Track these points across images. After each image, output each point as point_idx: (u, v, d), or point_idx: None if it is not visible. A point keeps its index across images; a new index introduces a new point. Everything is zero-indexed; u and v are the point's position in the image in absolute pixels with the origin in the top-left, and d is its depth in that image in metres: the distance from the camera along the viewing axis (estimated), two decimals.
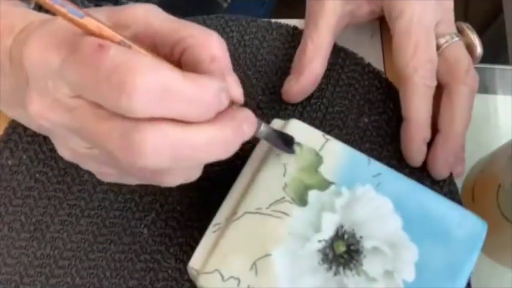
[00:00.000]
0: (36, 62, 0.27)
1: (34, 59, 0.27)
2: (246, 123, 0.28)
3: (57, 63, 0.26)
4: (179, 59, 0.29)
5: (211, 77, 0.27)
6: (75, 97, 0.27)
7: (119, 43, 0.26)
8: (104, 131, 0.26)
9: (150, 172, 0.28)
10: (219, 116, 0.27)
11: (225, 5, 0.64)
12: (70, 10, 0.25)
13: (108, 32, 0.26)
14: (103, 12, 0.29)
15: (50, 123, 0.28)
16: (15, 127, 0.41)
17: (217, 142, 0.27)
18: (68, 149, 0.30)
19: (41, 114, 0.28)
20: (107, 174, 0.32)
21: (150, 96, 0.24)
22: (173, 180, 0.29)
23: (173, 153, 0.26)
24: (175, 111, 0.26)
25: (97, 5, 0.59)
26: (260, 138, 0.33)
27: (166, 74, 0.25)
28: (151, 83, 0.24)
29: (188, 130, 0.26)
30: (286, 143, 0.35)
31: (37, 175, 0.40)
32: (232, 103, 0.29)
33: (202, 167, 0.30)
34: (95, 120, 0.26)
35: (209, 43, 0.28)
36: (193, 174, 0.30)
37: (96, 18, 0.26)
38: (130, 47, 0.26)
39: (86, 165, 0.31)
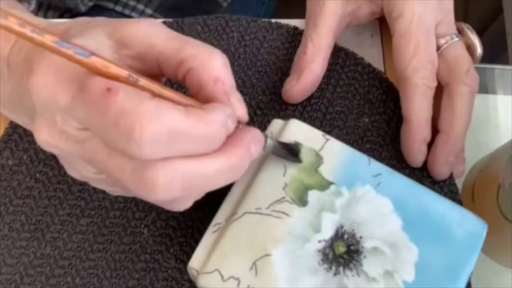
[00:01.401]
0: (44, 96, 0.27)
1: (42, 93, 0.27)
2: (254, 144, 0.29)
3: (66, 100, 0.27)
4: (183, 80, 0.29)
5: (216, 107, 0.27)
6: (84, 130, 0.27)
7: (126, 78, 0.26)
8: (115, 165, 0.27)
9: (161, 202, 0.29)
10: (228, 141, 0.28)
11: (225, 4, 0.64)
12: (77, 51, 0.25)
13: (115, 69, 0.26)
14: (103, 27, 0.29)
15: (60, 151, 0.29)
16: (15, 127, 0.41)
17: (227, 170, 0.28)
18: (77, 172, 0.31)
19: (50, 143, 0.28)
20: (117, 192, 0.32)
21: (158, 141, 0.25)
22: (184, 206, 0.30)
23: (185, 186, 0.27)
24: (183, 150, 0.26)
25: (96, 5, 0.59)
26: (267, 152, 0.33)
27: (171, 118, 0.25)
28: (158, 129, 0.25)
29: (198, 163, 0.27)
30: (292, 152, 0.35)
31: (37, 175, 0.40)
32: (238, 122, 0.29)
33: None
34: (106, 154, 0.27)
35: (211, 64, 0.28)
36: (200, 196, 0.31)
37: (101, 56, 0.26)
38: (137, 80, 0.26)
39: (96, 185, 0.32)
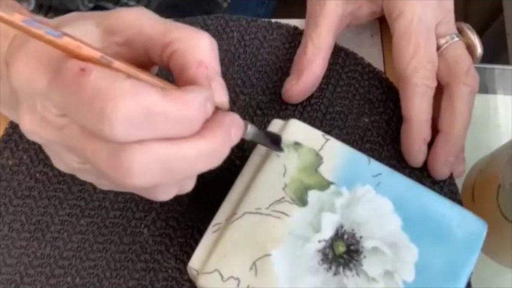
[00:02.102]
0: (22, 82, 0.27)
1: (20, 80, 0.27)
2: (234, 128, 0.28)
3: (43, 84, 0.26)
4: (168, 63, 0.29)
5: (193, 89, 0.27)
6: (62, 116, 0.27)
7: (99, 59, 0.25)
8: (92, 150, 0.26)
9: (142, 189, 0.28)
10: (206, 125, 0.27)
11: (225, 5, 0.64)
12: (48, 31, 0.24)
13: (87, 49, 0.25)
14: (94, 18, 0.29)
15: (42, 139, 0.28)
16: (15, 127, 0.41)
17: (208, 154, 0.27)
18: (63, 163, 0.30)
19: (32, 131, 0.28)
20: (104, 185, 0.32)
21: (132, 122, 0.24)
22: (167, 194, 0.29)
23: (164, 170, 0.26)
24: (160, 133, 0.25)
25: (96, 6, 0.59)
26: (247, 139, 0.32)
27: (147, 97, 0.25)
28: (132, 109, 0.24)
29: (176, 146, 0.26)
30: (274, 141, 0.35)
31: (37, 175, 0.40)
32: (217, 108, 0.28)
33: (195, 178, 0.30)
34: (83, 139, 0.26)
35: (196, 47, 0.28)
36: (186, 186, 0.30)
37: (73, 37, 0.25)
38: (110, 62, 0.26)
39: (83, 177, 0.31)
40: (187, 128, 0.26)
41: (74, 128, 0.27)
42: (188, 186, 0.30)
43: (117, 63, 0.26)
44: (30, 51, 0.27)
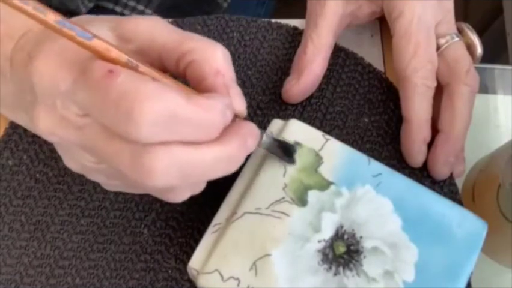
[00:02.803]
0: (45, 80, 0.27)
1: (44, 78, 0.27)
2: (250, 137, 0.29)
3: (67, 84, 0.27)
4: (184, 73, 0.29)
5: (215, 96, 0.28)
6: (83, 116, 0.27)
7: (126, 63, 0.26)
8: (113, 151, 0.27)
9: (159, 190, 0.29)
10: (224, 132, 0.28)
11: (225, 5, 0.64)
12: (79, 33, 0.25)
13: (115, 52, 0.26)
14: (107, 24, 0.29)
15: (59, 138, 0.29)
16: (15, 127, 0.41)
17: (224, 160, 0.28)
18: (75, 162, 0.31)
19: (49, 130, 0.28)
20: (112, 186, 0.32)
21: (157, 124, 0.25)
22: (181, 196, 0.30)
23: (182, 173, 0.27)
24: (182, 136, 0.26)
25: (96, 6, 0.59)
26: (262, 148, 0.33)
27: (172, 100, 0.25)
28: (158, 111, 0.25)
29: (195, 150, 0.27)
30: (287, 151, 0.35)
31: (37, 175, 0.40)
32: (235, 116, 0.29)
33: (205, 182, 0.31)
34: (105, 140, 0.27)
35: (212, 57, 0.29)
36: (198, 189, 0.31)
37: (103, 39, 0.26)
38: (137, 66, 0.27)
39: (93, 177, 0.32)
40: (208, 132, 0.27)
41: (95, 128, 0.27)
42: (200, 188, 0.31)
43: (143, 67, 0.27)
44: (54, 49, 0.27)
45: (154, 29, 0.29)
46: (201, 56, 0.29)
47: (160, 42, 0.29)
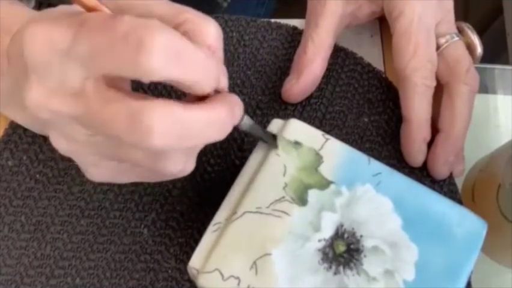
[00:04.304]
0: (40, 44, 0.27)
1: (38, 41, 0.27)
2: (237, 106, 0.30)
3: (66, 39, 0.26)
4: None
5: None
6: (83, 79, 0.27)
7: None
8: (111, 113, 0.26)
9: (153, 155, 0.29)
10: (213, 99, 0.29)
11: (225, 4, 0.64)
12: None
13: (96, 3, 0.27)
14: None
15: (50, 112, 0.28)
16: (15, 128, 0.41)
17: (215, 123, 0.28)
18: (65, 138, 0.30)
19: (40, 103, 0.28)
20: (101, 169, 0.31)
21: (167, 55, 0.25)
22: (174, 165, 0.30)
23: (178, 134, 0.27)
24: (186, 74, 0.26)
25: None
26: (242, 129, 0.33)
27: (177, 35, 0.26)
28: (169, 41, 0.25)
29: (191, 110, 0.27)
30: (269, 135, 0.36)
31: (37, 176, 0.40)
32: (218, 92, 0.30)
33: (196, 156, 0.31)
34: (102, 103, 0.27)
35: (206, 31, 0.29)
36: (189, 164, 0.31)
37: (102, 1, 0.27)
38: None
39: (82, 156, 0.31)
40: (205, 75, 0.28)
41: (93, 93, 0.27)
42: (191, 164, 0.31)
43: None
44: (44, 17, 0.27)
45: (152, 1, 0.30)
46: (195, 28, 0.29)
47: (156, 13, 0.29)
